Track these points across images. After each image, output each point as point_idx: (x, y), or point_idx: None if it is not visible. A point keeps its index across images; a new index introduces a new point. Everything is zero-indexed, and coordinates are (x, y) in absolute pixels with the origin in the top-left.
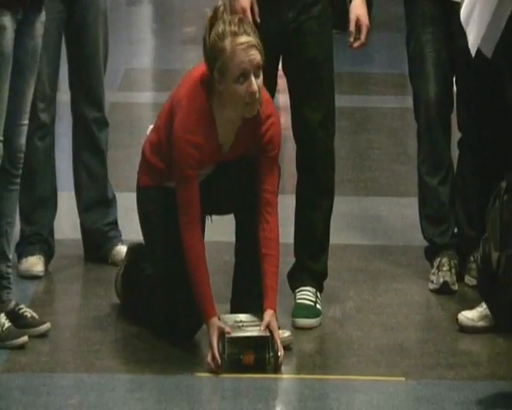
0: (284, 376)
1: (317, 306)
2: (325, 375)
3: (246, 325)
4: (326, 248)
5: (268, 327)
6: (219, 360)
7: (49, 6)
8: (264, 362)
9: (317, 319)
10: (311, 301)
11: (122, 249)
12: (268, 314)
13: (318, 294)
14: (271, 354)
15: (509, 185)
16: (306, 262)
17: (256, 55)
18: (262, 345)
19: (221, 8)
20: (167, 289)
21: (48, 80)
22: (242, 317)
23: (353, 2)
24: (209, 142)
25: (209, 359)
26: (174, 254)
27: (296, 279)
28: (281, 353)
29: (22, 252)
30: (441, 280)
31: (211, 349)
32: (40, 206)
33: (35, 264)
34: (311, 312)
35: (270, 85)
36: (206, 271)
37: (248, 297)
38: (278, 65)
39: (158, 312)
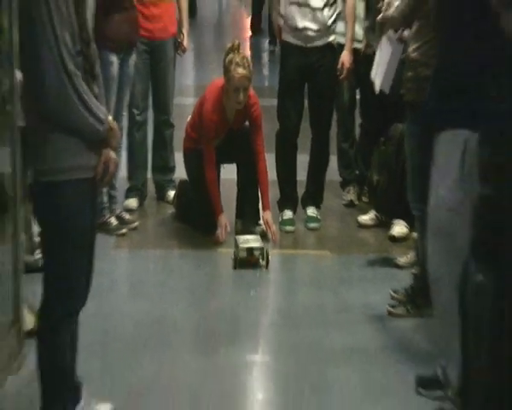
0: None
1: (318, 217)
2: (287, 250)
3: (250, 241)
4: (324, 184)
5: (267, 221)
6: (224, 236)
7: (140, 55)
8: (258, 259)
9: (320, 223)
10: (316, 214)
11: (171, 194)
12: (266, 213)
13: (318, 210)
14: (264, 256)
15: (384, 140)
16: (313, 193)
17: (245, 82)
18: (260, 252)
19: (236, 44)
20: (200, 203)
21: (140, 97)
22: (248, 237)
23: (343, 53)
24: (222, 119)
25: (220, 233)
26: (204, 183)
27: (306, 202)
28: (276, 235)
29: (126, 195)
30: (349, 198)
31: (219, 227)
32: (137, 169)
33: (132, 202)
34: (316, 220)
35: (300, 104)
36: (217, 188)
37: (244, 204)
38: (304, 86)
39: (195, 215)
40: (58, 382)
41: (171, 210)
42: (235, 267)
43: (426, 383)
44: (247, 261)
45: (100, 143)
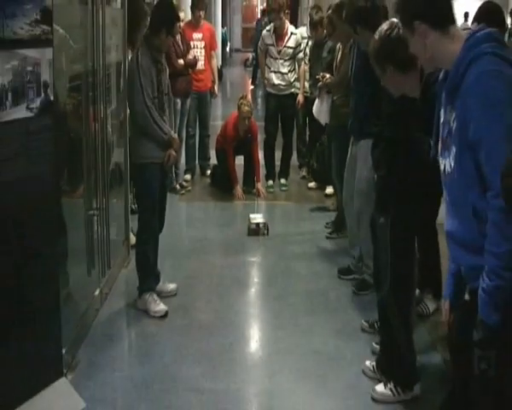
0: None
1: (287, 184)
2: (270, 201)
3: (257, 218)
4: (289, 164)
5: (258, 187)
6: (241, 196)
7: (193, 100)
8: (263, 231)
9: (287, 187)
10: (285, 182)
11: (208, 172)
12: (258, 183)
13: (286, 180)
14: (266, 228)
15: (319, 144)
16: (284, 171)
17: (248, 114)
18: (264, 226)
19: (244, 94)
20: (224, 177)
21: (192, 121)
22: (256, 215)
23: (299, 96)
24: (236, 133)
25: (237, 194)
26: (227, 166)
27: (280, 175)
28: (264, 194)
29: (184, 172)
30: (302, 174)
31: (236, 192)
32: (190, 159)
33: (187, 176)
34: (286, 185)
35: (276, 124)
36: (234, 169)
37: (247, 177)
38: (278, 115)
39: (222, 184)
40: (146, 271)
41: (208, 181)
42: (248, 235)
43: (343, 272)
44: (255, 231)
45: (166, 145)
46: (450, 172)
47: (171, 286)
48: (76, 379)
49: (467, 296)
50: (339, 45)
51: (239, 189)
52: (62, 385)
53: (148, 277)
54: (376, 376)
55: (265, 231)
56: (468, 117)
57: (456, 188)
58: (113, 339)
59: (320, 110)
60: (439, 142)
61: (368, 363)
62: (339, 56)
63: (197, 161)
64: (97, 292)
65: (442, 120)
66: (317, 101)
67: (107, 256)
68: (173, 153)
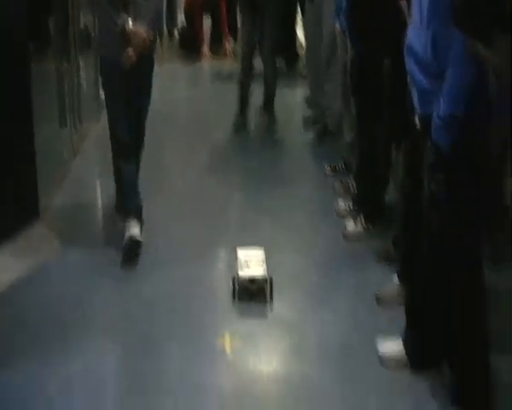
0: None
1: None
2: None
3: (251, 268)
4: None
5: (225, 44)
6: (207, 54)
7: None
8: (264, 292)
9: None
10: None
11: (176, 34)
12: (226, 42)
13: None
14: (270, 286)
15: None
16: None
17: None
18: (265, 283)
19: None
20: (193, 37)
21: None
22: (248, 254)
23: None
24: None
25: (203, 53)
26: (195, 26)
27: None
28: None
29: None
30: None
31: (203, 51)
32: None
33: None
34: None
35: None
36: (202, 28)
37: (215, 36)
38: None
39: (189, 44)
40: (116, 184)
41: (176, 43)
42: (233, 299)
43: (307, 122)
44: (249, 294)
45: (124, 39)
46: None
47: None
48: (51, 223)
49: (417, 124)
50: None
51: (206, 47)
52: (38, 228)
53: (117, 194)
54: (352, 213)
55: (269, 294)
56: None
57: (426, 8)
58: (86, 188)
59: None
60: None
61: (342, 203)
62: None
63: (165, 26)
64: (70, 146)
65: None
66: None
67: (78, 111)
68: (129, 52)
